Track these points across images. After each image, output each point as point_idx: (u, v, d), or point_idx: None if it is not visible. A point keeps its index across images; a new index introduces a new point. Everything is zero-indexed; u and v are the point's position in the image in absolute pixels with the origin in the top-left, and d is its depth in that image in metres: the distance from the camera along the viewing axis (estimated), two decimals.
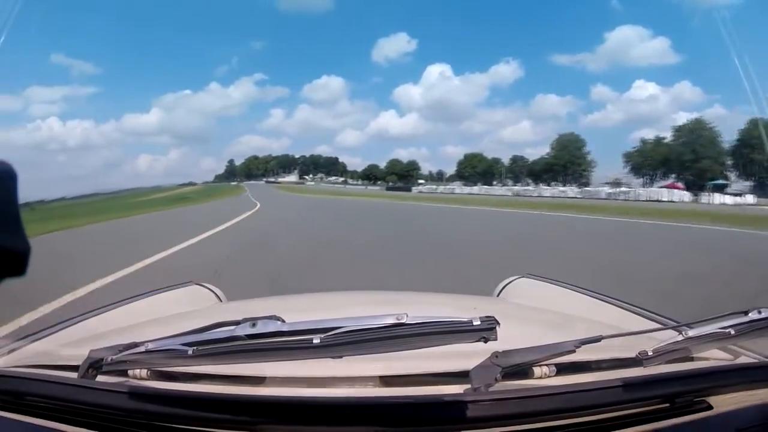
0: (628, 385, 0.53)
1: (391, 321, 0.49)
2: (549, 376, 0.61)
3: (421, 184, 71.93)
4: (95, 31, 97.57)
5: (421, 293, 2.02)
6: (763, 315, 0.59)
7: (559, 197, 35.06)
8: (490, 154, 72.13)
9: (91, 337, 0.83)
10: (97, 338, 0.78)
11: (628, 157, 57.06)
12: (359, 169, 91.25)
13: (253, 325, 0.50)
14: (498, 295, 1.35)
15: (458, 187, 54.97)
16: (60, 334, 0.88)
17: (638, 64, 79.50)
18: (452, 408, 0.50)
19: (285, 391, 0.58)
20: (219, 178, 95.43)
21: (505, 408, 0.50)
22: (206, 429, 0.51)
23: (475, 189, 49.88)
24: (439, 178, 79.22)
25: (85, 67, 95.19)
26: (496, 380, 0.52)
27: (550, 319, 1.01)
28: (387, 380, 0.60)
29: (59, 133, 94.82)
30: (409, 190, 56.34)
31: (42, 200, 39.60)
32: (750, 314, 0.60)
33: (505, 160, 70.20)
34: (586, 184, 54.52)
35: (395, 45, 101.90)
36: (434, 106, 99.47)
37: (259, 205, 19.26)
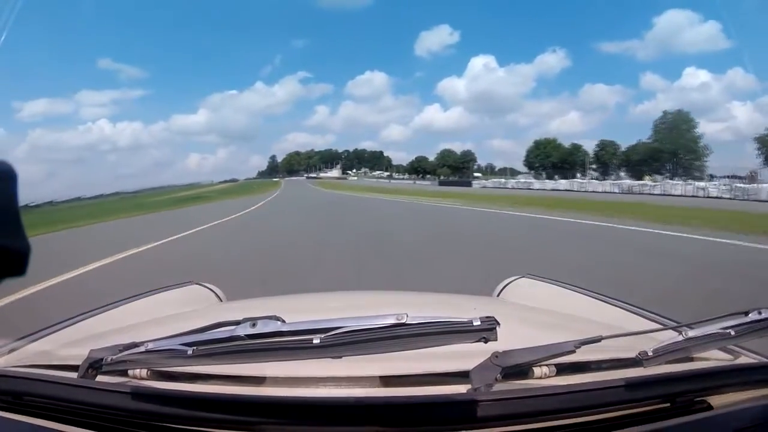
0: (628, 385, 0.53)
1: (392, 321, 0.48)
2: (549, 377, 0.60)
3: (477, 177, 61.29)
4: (141, 36, 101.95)
5: (421, 293, 1.99)
6: (763, 316, 0.59)
7: (701, 197, 22.72)
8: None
9: (91, 336, 0.82)
10: (96, 338, 0.78)
11: (762, 143, 41.92)
12: (405, 164, 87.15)
13: (253, 325, 0.50)
14: (498, 295, 1.33)
15: (536, 181, 42.07)
16: (60, 333, 0.88)
17: (688, 50, 75.93)
18: (452, 408, 0.50)
19: (285, 391, 0.58)
20: (261, 175, 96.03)
21: (506, 408, 0.50)
22: (206, 429, 0.51)
23: (563, 182, 37.22)
24: (489, 171, 73.75)
25: (131, 71, 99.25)
26: (496, 380, 0.52)
27: (550, 319, 1.00)
28: (387, 380, 0.60)
29: (110, 134, 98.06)
30: (469, 184, 46.01)
31: (51, 201, 37.73)
32: (750, 315, 0.60)
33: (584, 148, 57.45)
34: (701, 177, 40.34)
35: (437, 38, 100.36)
36: (479, 98, 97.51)
37: (267, 204, 18.93)
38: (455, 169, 70.47)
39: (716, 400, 0.58)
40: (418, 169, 79.10)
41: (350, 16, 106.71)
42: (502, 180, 47.07)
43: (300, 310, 1.12)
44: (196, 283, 1.35)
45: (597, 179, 42.00)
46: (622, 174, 49.65)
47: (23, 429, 0.56)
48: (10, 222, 0.36)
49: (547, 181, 41.48)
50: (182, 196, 38.03)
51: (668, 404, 0.55)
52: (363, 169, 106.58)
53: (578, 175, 50.31)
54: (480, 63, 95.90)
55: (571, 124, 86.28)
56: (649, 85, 79.91)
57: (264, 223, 12.23)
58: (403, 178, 76.41)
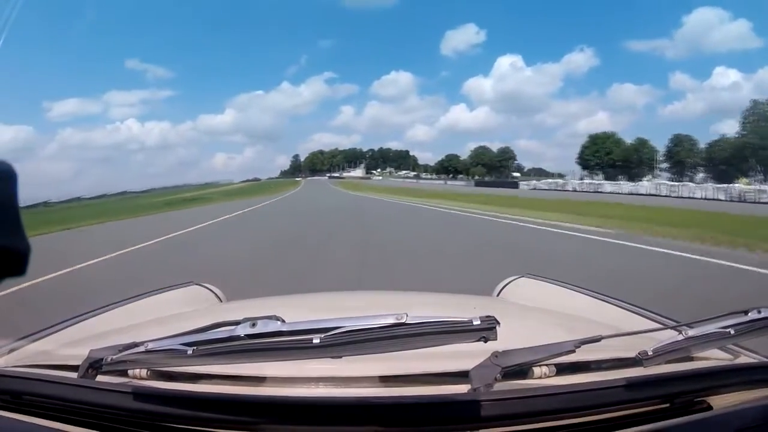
0: (628, 385, 0.52)
1: (391, 321, 0.48)
2: (549, 376, 0.60)
3: (517, 177, 54.33)
4: (168, 37, 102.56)
5: (421, 293, 1.97)
6: (762, 315, 0.59)
7: None
8: (565, 147, 63.14)
9: (91, 336, 0.82)
10: (97, 338, 0.78)
11: None
12: (432, 163, 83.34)
13: (253, 325, 0.50)
14: (498, 295, 1.32)
15: (607, 183, 32.71)
16: (60, 333, 0.88)
17: (718, 49, 73.19)
18: (452, 408, 0.50)
19: (285, 391, 0.58)
20: (284, 174, 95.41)
21: (505, 408, 0.50)
22: (206, 429, 0.51)
23: (646, 185, 29.43)
24: (518, 171, 69.73)
25: (159, 71, 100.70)
26: (496, 380, 0.51)
27: (550, 319, 1.00)
28: (387, 380, 0.60)
29: (138, 134, 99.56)
30: (514, 185, 38.80)
31: (46, 201, 35.06)
32: (750, 314, 0.59)
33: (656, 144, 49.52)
34: None
35: (463, 37, 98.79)
36: (506, 98, 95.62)
37: (269, 206, 17.66)
38: (491, 168, 63.93)
39: (716, 400, 0.57)
40: (449, 168, 72.80)
41: (375, 15, 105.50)
42: (559, 181, 36.96)
43: (300, 310, 1.12)
44: (196, 284, 1.33)
45: (672, 180, 34.33)
46: (701, 175, 41.47)
47: (23, 428, 0.55)
48: (10, 222, 0.35)
49: (622, 183, 32.04)
50: (189, 196, 36.39)
51: (668, 404, 0.55)
52: (388, 169, 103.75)
53: (649, 177, 42.29)
54: (507, 62, 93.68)
55: (599, 124, 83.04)
56: (679, 85, 78.51)
57: (247, 233, 9.83)
58: (431, 178, 71.07)
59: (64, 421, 0.55)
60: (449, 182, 52.95)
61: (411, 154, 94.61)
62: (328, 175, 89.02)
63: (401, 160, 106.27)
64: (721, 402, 0.57)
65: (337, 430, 0.49)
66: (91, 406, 0.53)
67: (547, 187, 34.14)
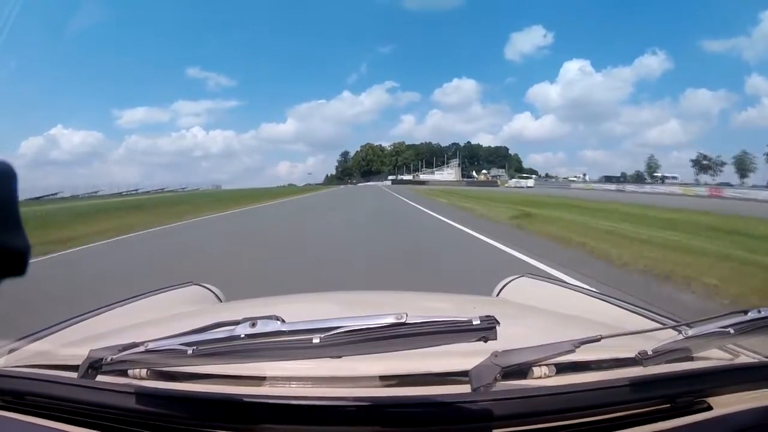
0: (628, 385, 0.53)
1: (391, 321, 0.48)
2: (549, 376, 0.60)
3: None
4: (229, 47, 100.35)
5: (421, 293, 1.96)
6: (762, 314, 0.58)
7: None
8: (634, 157, 47.26)
9: (91, 337, 0.82)
10: (97, 338, 0.78)
11: None
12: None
13: (253, 324, 0.50)
14: (498, 295, 1.32)
15: None
16: (60, 333, 0.88)
17: None
18: (452, 408, 0.50)
19: (285, 391, 0.59)
20: (330, 179, 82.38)
21: (505, 408, 0.50)
22: (206, 429, 0.51)
23: None
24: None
25: (221, 79, 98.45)
26: (496, 380, 0.51)
27: (550, 319, 1.00)
28: (387, 380, 0.60)
29: (202, 141, 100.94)
30: None
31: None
32: (750, 314, 0.59)
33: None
34: None
35: (529, 39, 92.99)
36: (572, 105, 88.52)
37: None
38: None
39: (716, 400, 0.57)
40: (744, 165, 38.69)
41: (436, 17, 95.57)
42: None
43: (300, 310, 1.11)
44: (196, 284, 1.33)
45: None
46: None
47: (24, 428, 0.56)
48: (10, 221, 0.35)
49: None
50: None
51: (668, 404, 0.55)
52: (494, 171, 76.22)
53: None
54: (574, 67, 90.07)
55: (670, 133, 78.13)
56: (754, 90, 70.73)
57: None
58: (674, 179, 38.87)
59: (64, 422, 0.55)
60: None
61: (510, 152, 78.04)
62: (390, 178, 66.80)
63: (501, 159, 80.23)
64: (722, 402, 0.57)
65: (337, 430, 0.49)
66: (92, 406, 0.53)
67: None
